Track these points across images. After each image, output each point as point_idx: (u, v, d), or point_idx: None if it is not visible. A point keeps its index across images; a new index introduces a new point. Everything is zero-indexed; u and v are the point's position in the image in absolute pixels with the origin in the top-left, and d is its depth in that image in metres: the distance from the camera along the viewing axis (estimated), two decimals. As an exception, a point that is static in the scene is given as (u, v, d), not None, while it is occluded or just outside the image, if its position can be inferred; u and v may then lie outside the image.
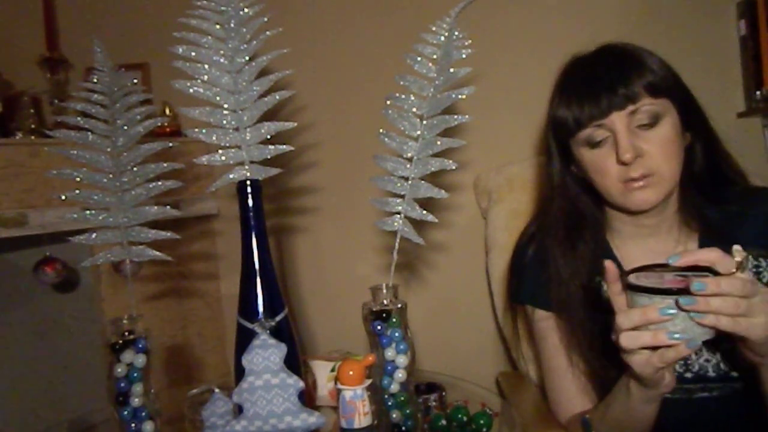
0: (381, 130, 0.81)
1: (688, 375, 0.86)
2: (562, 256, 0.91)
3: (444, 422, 0.82)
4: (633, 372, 0.71)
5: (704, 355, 0.85)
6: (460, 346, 1.45)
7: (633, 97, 0.81)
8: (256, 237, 0.76)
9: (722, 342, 0.84)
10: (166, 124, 1.47)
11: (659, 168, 0.82)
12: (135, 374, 0.74)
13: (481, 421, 0.81)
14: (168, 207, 0.80)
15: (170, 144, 0.81)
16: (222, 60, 0.80)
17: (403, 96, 0.81)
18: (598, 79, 0.84)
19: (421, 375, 0.97)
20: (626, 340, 0.68)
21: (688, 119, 0.86)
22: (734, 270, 0.64)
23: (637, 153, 0.81)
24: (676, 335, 0.65)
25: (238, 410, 0.72)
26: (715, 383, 0.85)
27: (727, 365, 0.84)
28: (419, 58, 0.82)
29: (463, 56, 0.82)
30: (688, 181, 0.87)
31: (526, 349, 1.20)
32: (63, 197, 0.78)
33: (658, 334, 0.66)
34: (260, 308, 0.74)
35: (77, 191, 0.78)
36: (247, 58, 0.80)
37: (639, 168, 0.81)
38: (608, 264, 0.72)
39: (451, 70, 0.81)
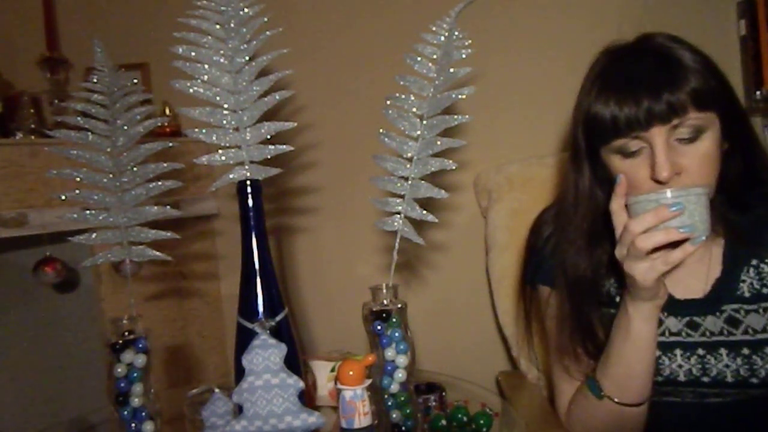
0: (381, 130, 0.81)
1: (705, 379, 0.84)
2: (576, 257, 0.88)
3: (444, 422, 0.82)
4: (634, 283, 0.76)
5: (724, 360, 0.84)
6: (460, 346, 1.45)
7: (678, 108, 0.75)
8: (256, 237, 0.76)
9: (743, 348, 0.83)
10: (166, 124, 1.47)
11: (696, 183, 0.76)
12: (135, 374, 0.74)
13: (481, 421, 0.81)
14: (168, 207, 0.80)
15: (170, 144, 0.81)
16: (222, 60, 0.80)
17: (403, 96, 0.81)
18: (641, 79, 0.77)
19: (421, 375, 0.97)
20: (642, 241, 0.72)
21: (730, 128, 0.80)
22: None
23: (674, 170, 0.75)
24: (684, 228, 0.72)
25: (238, 410, 0.72)
26: (732, 389, 0.83)
27: (747, 372, 0.83)
28: (419, 58, 0.82)
29: (463, 56, 0.82)
30: (718, 187, 0.82)
31: (537, 342, 1.19)
32: (63, 197, 0.79)
33: (668, 230, 0.72)
34: (260, 308, 0.74)
35: (77, 191, 0.78)
36: (247, 58, 0.80)
37: (675, 186, 0.76)
38: (623, 177, 0.78)
39: (451, 70, 0.81)
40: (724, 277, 0.86)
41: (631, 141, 0.78)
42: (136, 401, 0.74)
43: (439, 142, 0.80)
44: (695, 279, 0.87)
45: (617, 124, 0.77)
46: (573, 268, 0.88)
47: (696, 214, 0.73)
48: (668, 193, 0.73)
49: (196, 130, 0.78)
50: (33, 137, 1.32)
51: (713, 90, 0.77)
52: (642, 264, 0.74)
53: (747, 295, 0.84)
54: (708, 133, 0.77)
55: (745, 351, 0.83)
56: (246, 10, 0.81)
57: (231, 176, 0.78)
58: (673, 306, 0.85)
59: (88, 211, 0.78)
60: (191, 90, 0.79)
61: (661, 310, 0.82)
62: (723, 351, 0.84)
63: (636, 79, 0.78)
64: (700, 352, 0.85)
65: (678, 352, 0.86)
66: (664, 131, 0.76)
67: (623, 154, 0.79)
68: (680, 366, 0.85)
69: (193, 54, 0.79)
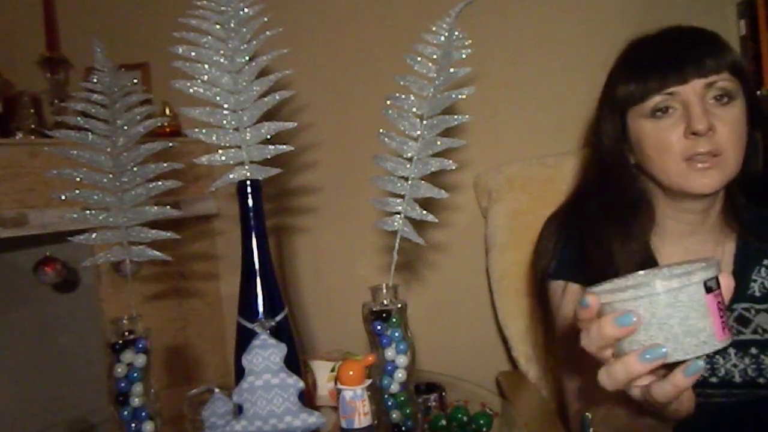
0: (381, 130, 0.81)
1: (714, 380, 0.83)
2: (608, 242, 0.84)
3: (444, 422, 0.82)
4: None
5: (732, 359, 0.82)
6: (460, 346, 1.45)
7: (716, 68, 0.78)
8: (256, 237, 0.76)
9: (751, 347, 0.82)
10: (166, 124, 1.47)
11: (727, 148, 0.78)
12: (135, 374, 0.74)
13: (481, 421, 0.81)
14: (168, 207, 0.80)
15: (170, 144, 0.81)
16: (222, 60, 0.80)
17: (403, 96, 0.81)
18: (684, 50, 0.80)
19: (421, 375, 0.97)
20: (603, 378, 0.53)
21: (751, 111, 0.82)
22: None
23: (709, 126, 0.76)
24: (647, 356, 0.49)
25: (238, 410, 0.72)
26: (739, 389, 0.82)
27: (755, 371, 0.82)
28: (419, 58, 0.82)
29: (463, 56, 0.82)
30: (738, 180, 0.83)
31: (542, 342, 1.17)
32: (63, 197, 0.78)
33: (628, 360, 0.50)
34: (260, 308, 0.74)
35: (77, 191, 0.78)
36: (247, 58, 0.80)
37: (707, 143, 0.77)
38: (589, 299, 0.54)
39: (451, 70, 0.81)
40: (735, 276, 0.84)
41: (666, 100, 0.80)
42: (136, 401, 0.74)
43: (439, 142, 0.80)
44: None
45: (654, 81, 0.79)
46: (601, 256, 0.85)
47: (676, 323, 0.48)
48: (655, 283, 0.49)
49: (196, 130, 0.78)
50: (33, 137, 1.32)
51: (744, 66, 0.81)
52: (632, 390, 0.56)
53: (758, 294, 0.84)
54: (738, 101, 0.80)
55: (753, 351, 0.82)
56: (246, 10, 0.81)
57: (231, 176, 0.78)
58: None
59: (88, 211, 0.78)
60: (191, 90, 0.79)
61: None
62: (731, 350, 0.83)
63: (675, 51, 0.80)
64: None
65: None
66: (700, 86, 0.78)
67: (655, 116, 0.80)
68: None
69: (193, 54, 0.79)
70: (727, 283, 0.53)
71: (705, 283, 0.49)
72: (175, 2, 0.83)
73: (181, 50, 0.79)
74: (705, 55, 0.78)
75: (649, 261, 0.86)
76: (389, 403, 0.75)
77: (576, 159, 1.18)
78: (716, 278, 0.50)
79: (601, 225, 0.87)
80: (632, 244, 0.85)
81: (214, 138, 0.78)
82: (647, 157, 0.83)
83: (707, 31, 0.84)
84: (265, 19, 0.81)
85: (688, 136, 0.78)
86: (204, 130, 0.78)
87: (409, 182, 0.80)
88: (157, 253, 0.80)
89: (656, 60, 0.81)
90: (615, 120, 0.86)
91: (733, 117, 0.79)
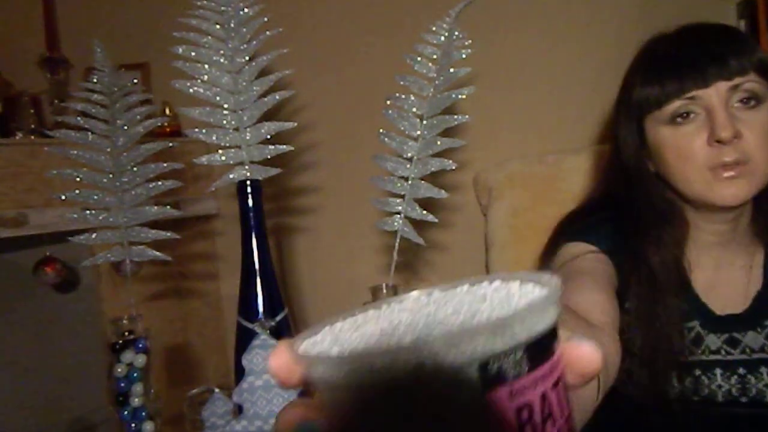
0: (381, 130, 0.81)
1: (744, 399, 0.79)
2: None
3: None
4: None
5: (764, 379, 0.78)
6: (460, 346, 1.44)
7: (740, 68, 0.71)
8: (256, 237, 0.76)
9: None
10: (166, 124, 1.47)
11: (755, 155, 0.71)
12: (135, 374, 0.74)
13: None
14: (168, 207, 0.81)
15: (170, 144, 0.81)
16: (222, 60, 0.80)
17: (403, 96, 0.81)
18: (705, 50, 0.74)
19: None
20: None
21: None
22: None
23: (735, 132, 0.70)
24: None
25: (238, 410, 0.72)
26: (766, 408, 0.78)
27: None
28: (419, 58, 0.82)
29: (463, 56, 0.82)
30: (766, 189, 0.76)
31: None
32: (63, 197, 0.79)
33: None
34: (260, 308, 0.75)
35: (77, 191, 0.79)
36: (247, 58, 0.80)
37: (733, 152, 0.70)
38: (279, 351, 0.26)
39: (451, 70, 0.81)
40: (765, 291, 0.80)
41: (687, 105, 0.73)
42: (136, 401, 0.74)
43: (439, 142, 0.80)
44: (735, 292, 0.81)
45: (673, 85, 0.73)
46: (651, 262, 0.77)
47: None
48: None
49: (196, 130, 0.79)
50: (33, 137, 1.32)
51: None
52: None
53: None
54: (767, 103, 0.73)
55: None
56: (246, 10, 0.81)
57: (231, 176, 0.78)
58: (713, 322, 0.79)
59: (88, 211, 0.78)
60: (191, 90, 0.79)
61: (701, 327, 0.78)
62: (764, 370, 0.78)
63: (697, 51, 0.74)
64: (741, 371, 0.79)
65: (718, 371, 0.80)
66: (725, 90, 0.71)
67: (675, 122, 0.74)
68: (719, 386, 0.80)
69: (193, 54, 0.79)
70: (585, 355, 0.24)
71: (485, 367, 0.19)
72: (175, 2, 0.83)
73: (181, 50, 0.79)
74: (728, 55, 0.72)
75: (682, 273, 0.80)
76: (389, 403, 0.75)
77: (577, 157, 1.18)
78: (542, 340, 0.21)
79: (631, 236, 0.80)
80: (666, 252, 0.78)
81: (214, 138, 0.78)
82: (668, 165, 0.77)
83: (730, 28, 0.77)
84: (265, 19, 0.81)
85: (712, 144, 0.71)
86: (204, 130, 0.79)
87: (409, 182, 0.80)
88: (157, 253, 0.80)
89: (674, 61, 0.75)
90: (632, 126, 0.80)
91: (761, 121, 0.72)
